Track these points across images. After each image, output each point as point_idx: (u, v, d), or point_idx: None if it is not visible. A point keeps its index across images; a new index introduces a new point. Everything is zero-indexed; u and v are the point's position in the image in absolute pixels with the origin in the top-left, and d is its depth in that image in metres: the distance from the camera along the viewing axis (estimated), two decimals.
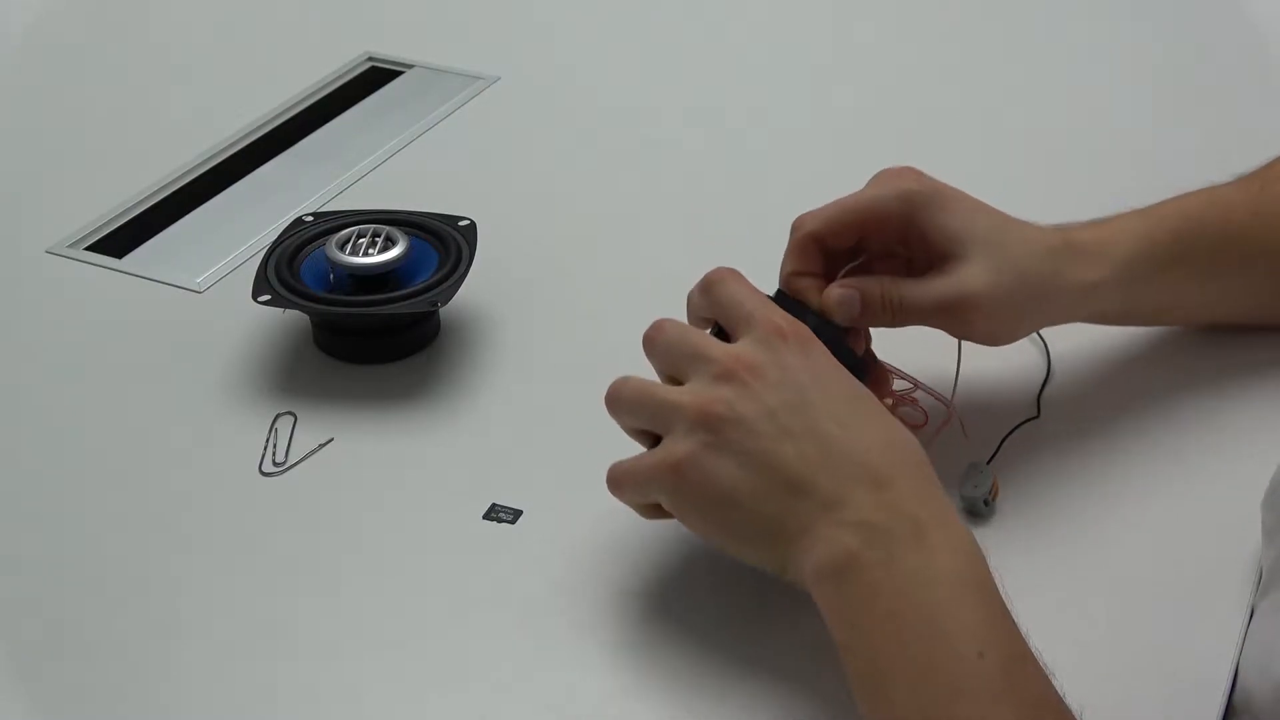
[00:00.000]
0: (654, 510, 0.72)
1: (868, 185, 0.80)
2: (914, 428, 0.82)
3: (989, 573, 0.65)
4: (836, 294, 0.76)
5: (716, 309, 0.73)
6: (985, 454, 0.81)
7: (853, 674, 0.66)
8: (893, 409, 0.83)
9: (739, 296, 0.73)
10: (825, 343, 0.72)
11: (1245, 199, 0.85)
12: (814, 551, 0.66)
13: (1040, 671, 0.63)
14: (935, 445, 0.79)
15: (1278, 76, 1.20)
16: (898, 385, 0.84)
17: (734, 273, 0.74)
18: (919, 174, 0.80)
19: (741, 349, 0.70)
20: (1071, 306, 0.82)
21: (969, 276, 0.77)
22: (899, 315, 0.77)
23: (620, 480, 0.73)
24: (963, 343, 0.81)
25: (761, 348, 0.70)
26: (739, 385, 0.69)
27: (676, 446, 0.69)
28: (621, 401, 0.73)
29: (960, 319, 0.78)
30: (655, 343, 0.73)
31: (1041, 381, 0.87)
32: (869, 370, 0.78)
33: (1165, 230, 0.83)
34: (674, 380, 0.72)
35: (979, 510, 0.78)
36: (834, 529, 0.66)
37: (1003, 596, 0.65)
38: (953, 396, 0.82)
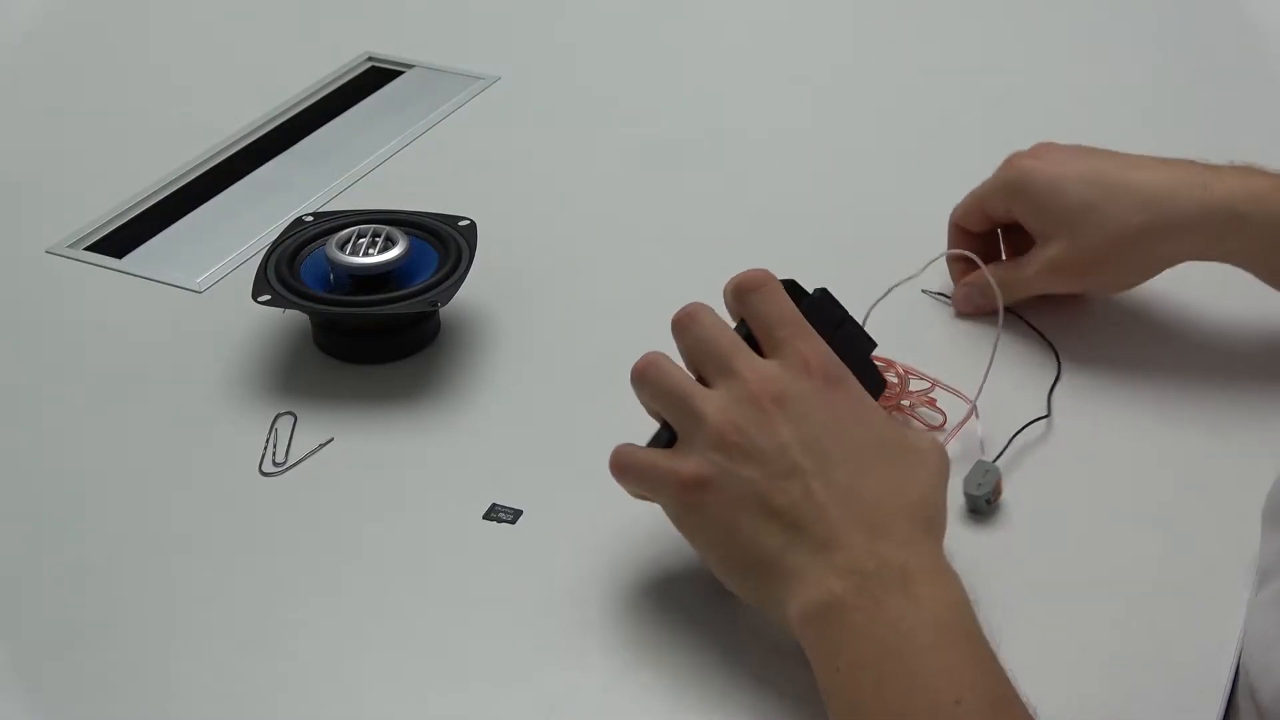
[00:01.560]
0: (648, 499, 0.74)
1: (994, 175, 0.91)
2: (932, 428, 0.83)
3: (976, 622, 0.66)
4: (959, 295, 0.92)
5: (752, 319, 0.74)
6: (994, 452, 0.81)
7: (832, 716, 0.66)
8: (910, 410, 0.83)
9: (777, 314, 0.73)
10: (844, 338, 0.74)
11: None
12: (801, 594, 0.67)
13: (1025, 717, 0.63)
14: (952, 444, 0.80)
15: (1278, 76, 1.20)
16: (916, 385, 0.84)
17: (773, 283, 0.74)
18: (1031, 157, 0.90)
19: (770, 374, 0.71)
20: (1178, 254, 0.88)
21: (1059, 250, 0.88)
22: (1009, 292, 0.88)
23: (626, 470, 0.73)
24: (997, 344, 0.83)
25: (789, 377, 0.71)
26: (759, 412, 0.70)
27: (690, 462, 0.70)
28: (648, 384, 0.73)
29: (1062, 285, 0.90)
30: (687, 331, 0.73)
31: (1051, 381, 0.87)
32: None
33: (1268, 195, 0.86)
34: (697, 367, 0.73)
35: (980, 509, 0.78)
36: (823, 573, 0.67)
37: (990, 644, 0.65)
38: (978, 395, 0.82)
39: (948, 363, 0.85)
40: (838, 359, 0.72)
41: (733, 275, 0.75)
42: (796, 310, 0.73)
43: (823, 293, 0.76)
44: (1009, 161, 0.90)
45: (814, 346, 0.72)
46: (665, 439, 0.73)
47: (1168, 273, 0.89)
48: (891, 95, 1.21)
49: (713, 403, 0.71)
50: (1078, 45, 1.29)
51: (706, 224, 1.05)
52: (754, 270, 0.75)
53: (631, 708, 0.70)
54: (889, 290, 0.84)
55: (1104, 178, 0.87)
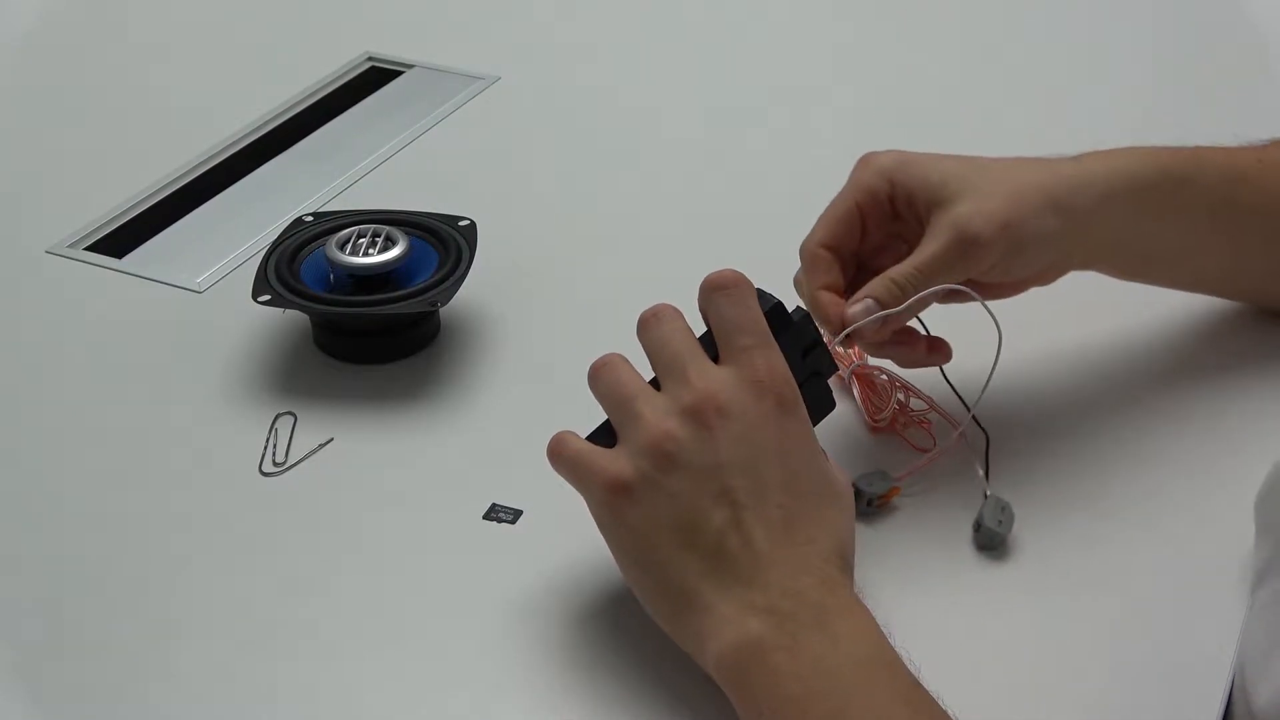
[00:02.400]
0: None
1: (850, 176, 0.81)
2: (921, 450, 0.82)
3: (894, 653, 0.64)
4: (855, 310, 0.76)
5: (715, 321, 0.71)
6: (992, 476, 0.81)
7: None
8: (902, 430, 0.83)
9: (740, 319, 0.70)
10: (810, 362, 0.73)
11: (1250, 152, 0.86)
12: (719, 635, 0.65)
13: None
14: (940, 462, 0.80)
15: (1278, 76, 1.20)
16: (914, 405, 0.84)
17: (744, 286, 0.71)
18: (894, 150, 0.81)
19: (718, 385, 0.68)
20: (1066, 230, 0.80)
21: (959, 212, 0.77)
22: (917, 286, 0.76)
23: (559, 457, 0.71)
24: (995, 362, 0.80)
25: (739, 391, 0.68)
26: (699, 426, 0.67)
27: (619, 464, 0.68)
28: (598, 382, 0.72)
29: (968, 256, 0.77)
30: (648, 330, 0.71)
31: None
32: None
33: (1159, 159, 0.83)
34: (656, 371, 0.71)
35: (996, 545, 0.76)
36: (741, 611, 0.65)
37: (911, 672, 0.64)
38: (975, 405, 0.81)
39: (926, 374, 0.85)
40: (793, 382, 0.69)
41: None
42: (762, 319, 0.70)
43: (803, 315, 0.75)
44: (867, 156, 0.81)
45: (772, 362, 0.69)
46: (604, 437, 0.71)
47: None
48: (892, 96, 1.21)
49: (654, 406, 0.69)
50: (1077, 45, 1.29)
51: (706, 223, 1.05)
52: (727, 270, 0.71)
53: (632, 708, 0.70)
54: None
55: (980, 157, 0.81)
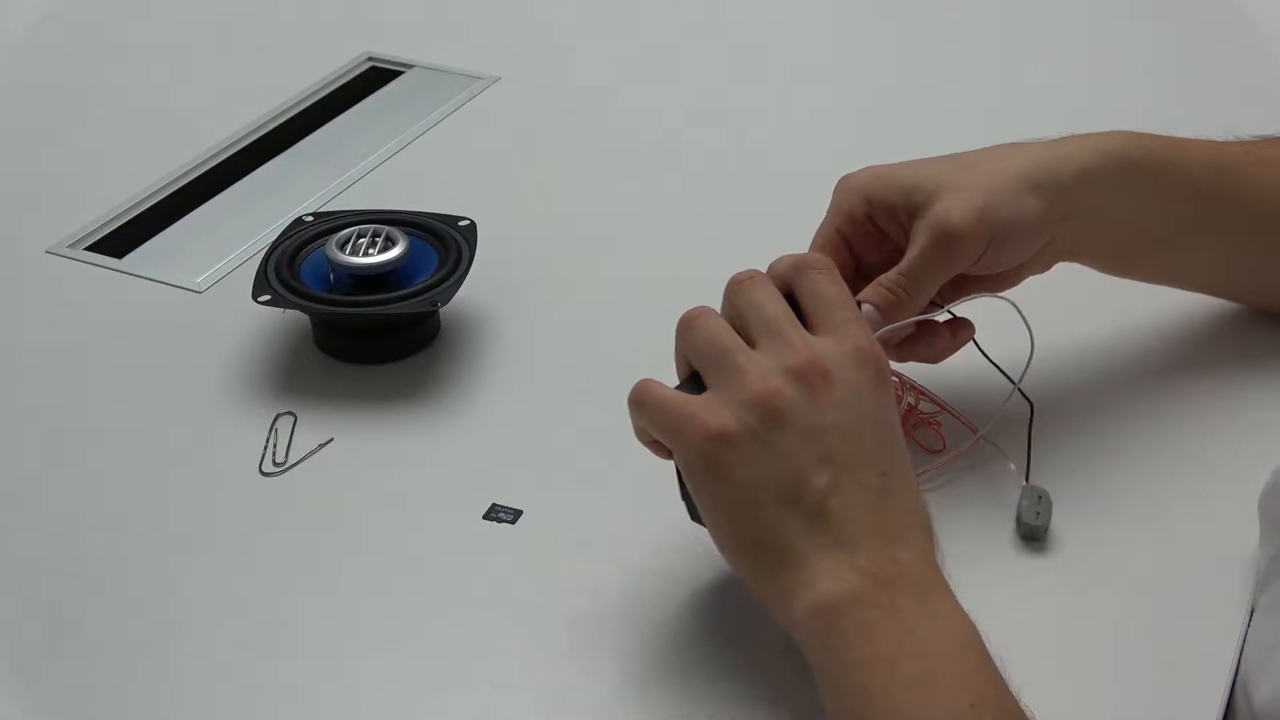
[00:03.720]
0: (655, 443, 0.70)
1: (830, 203, 0.81)
2: (931, 453, 0.82)
3: (987, 648, 0.64)
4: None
5: (810, 296, 0.70)
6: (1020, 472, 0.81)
7: (837, 713, 0.64)
8: (911, 431, 0.83)
9: (838, 295, 0.70)
10: None
11: (1235, 145, 0.86)
12: (814, 586, 0.64)
13: None
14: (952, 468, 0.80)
15: (1278, 76, 1.20)
16: (925, 408, 0.84)
17: (833, 266, 0.72)
18: (868, 167, 0.81)
19: (822, 350, 0.68)
20: (1047, 210, 0.79)
21: (936, 210, 0.77)
22: (907, 289, 0.77)
23: (647, 404, 0.69)
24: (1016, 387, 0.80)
25: (842, 359, 0.68)
26: (805, 388, 0.66)
27: (721, 415, 0.66)
28: (693, 331, 0.70)
29: (952, 251, 0.77)
30: (743, 292, 0.70)
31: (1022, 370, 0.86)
32: None
33: (1141, 140, 0.83)
34: (743, 332, 0.70)
35: (1039, 537, 0.77)
36: (841, 567, 0.64)
37: (1000, 669, 0.64)
38: (1020, 379, 0.81)
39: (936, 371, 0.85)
40: (886, 356, 0.70)
41: (782, 254, 0.73)
42: (853, 298, 0.71)
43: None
44: (842, 179, 0.82)
45: (869, 337, 0.69)
46: (691, 391, 0.69)
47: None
48: (892, 96, 1.21)
49: (758, 362, 0.67)
50: (1077, 45, 1.29)
51: (706, 224, 1.05)
52: (817, 254, 0.73)
53: (632, 708, 0.70)
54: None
55: (959, 154, 0.81)
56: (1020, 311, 0.79)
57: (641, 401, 0.69)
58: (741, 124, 1.18)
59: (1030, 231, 0.79)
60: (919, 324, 0.79)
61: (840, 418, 0.66)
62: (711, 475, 0.67)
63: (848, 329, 0.69)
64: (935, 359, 0.82)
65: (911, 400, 0.84)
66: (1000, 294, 0.80)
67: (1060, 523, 0.78)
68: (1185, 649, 0.72)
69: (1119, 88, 1.21)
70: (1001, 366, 0.82)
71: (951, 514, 0.77)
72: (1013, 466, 0.81)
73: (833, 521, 0.65)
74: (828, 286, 0.70)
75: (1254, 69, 1.22)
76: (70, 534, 0.80)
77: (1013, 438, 0.82)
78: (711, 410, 0.67)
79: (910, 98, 1.21)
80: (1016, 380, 0.81)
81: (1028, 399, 0.82)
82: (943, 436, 0.83)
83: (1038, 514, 0.77)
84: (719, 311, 0.71)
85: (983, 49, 1.29)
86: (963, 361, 0.82)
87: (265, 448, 0.85)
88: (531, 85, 1.24)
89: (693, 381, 0.70)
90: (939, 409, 0.83)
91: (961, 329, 0.81)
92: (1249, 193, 0.84)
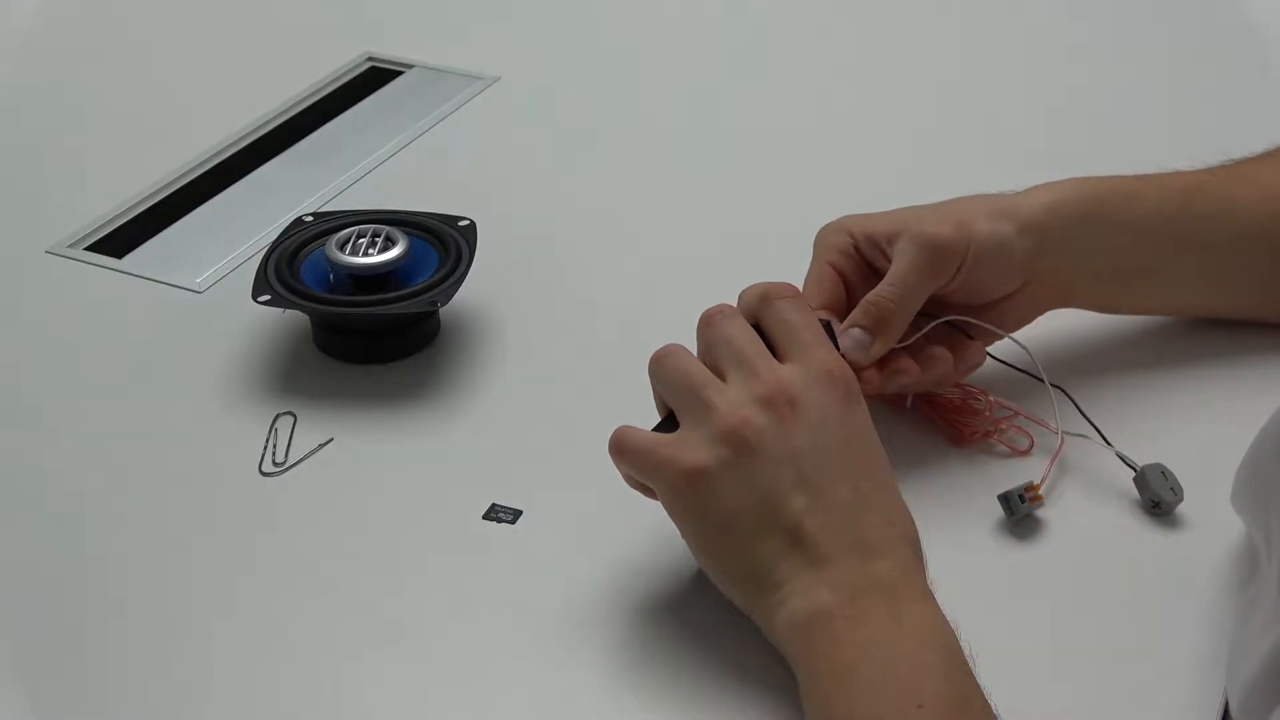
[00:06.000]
0: (642, 487, 0.73)
1: (814, 256, 0.83)
2: (1019, 453, 0.82)
3: (955, 640, 0.66)
4: (848, 342, 0.78)
5: (776, 324, 0.73)
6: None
7: None
8: (999, 436, 0.83)
9: (803, 321, 0.73)
10: None
11: (1201, 171, 0.87)
12: (789, 604, 0.67)
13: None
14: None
15: (1278, 76, 1.20)
16: (999, 413, 0.84)
17: (798, 293, 0.75)
18: (848, 217, 0.83)
19: (789, 377, 0.70)
20: (1022, 239, 0.81)
21: (917, 229, 0.79)
22: (897, 300, 0.78)
23: (625, 451, 0.72)
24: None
25: (808, 384, 0.70)
26: (773, 415, 0.69)
27: (695, 453, 0.69)
28: (663, 371, 0.73)
29: (935, 260, 0.79)
30: (711, 327, 0.73)
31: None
32: None
33: (1105, 182, 0.85)
34: (713, 366, 0.72)
35: (1170, 511, 0.78)
36: (815, 585, 0.67)
37: (968, 662, 0.65)
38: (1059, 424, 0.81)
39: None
40: (853, 375, 0.72)
41: (755, 281, 0.75)
42: (818, 323, 0.73)
43: (825, 324, 0.76)
44: (830, 228, 0.84)
45: (837, 358, 0.72)
46: (668, 430, 0.72)
47: None
48: (891, 96, 1.21)
49: (727, 396, 0.70)
50: (1077, 45, 1.29)
51: (706, 224, 1.05)
52: (782, 283, 0.75)
53: (631, 708, 0.70)
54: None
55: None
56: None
57: (620, 448, 0.72)
58: (741, 123, 1.18)
59: (1005, 252, 0.81)
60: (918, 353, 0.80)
61: (811, 440, 0.69)
62: (691, 511, 0.70)
63: (812, 353, 0.71)
64: (939, 386, 0.83)
65: (981, 405, 0.84)
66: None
67: (1063, 522, 0.78)
68: (1184, 650, 0.72)
69: (1119, 88, 1.21)
70: (1024, 366, 0.83)
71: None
72: (1116, 453, 0.80)
73: (809, 542, 0.68)
74: (791, 313, 0.73)
75: (1254, 69, 1.22)
76: (70, 534, 0.80)
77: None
78: (685, 448, 0.70)
79: (909, 97, 1.21)
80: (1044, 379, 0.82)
81: (1065, 391, 0.82)
82: (1028, 434, 0.83)
83: (1172, 489, 0.78)
84: (693, 348, 0.74)
85: (981, 50, 1.28)
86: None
87: (265, 448, 0.85)
88: (531, 85, 1.24)
89: (670, 420, 0.73)
90: (1014, 412, 0.83)
91: (966, 354, 0.82)
92: (1219, 205, 0.85)
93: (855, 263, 0.82)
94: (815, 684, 0.66)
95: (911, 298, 0.79)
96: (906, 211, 0.82)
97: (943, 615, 0.67)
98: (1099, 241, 0.84)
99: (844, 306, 0.81)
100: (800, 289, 0.75)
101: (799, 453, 0.68)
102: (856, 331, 0.78)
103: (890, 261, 0.80)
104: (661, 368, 0.73)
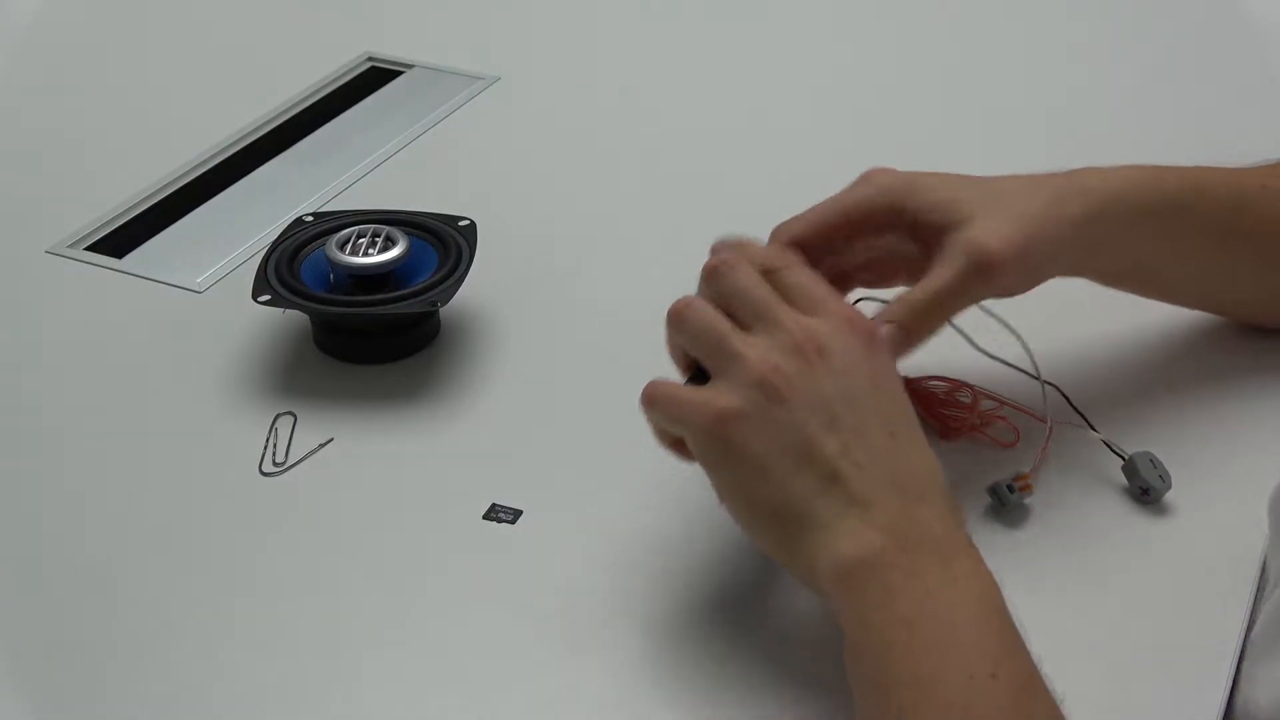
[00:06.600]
0: (675, 443, 0.71)
1: (849, 188, 0.80)
2: (1005, 446, 0.82)
3: (1008, 610, 0.65)
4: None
5: (787, 289, 0.71)
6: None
7: (856, 675, 0.65)
8: (983, 429, 0.83)
9: (811, 281, 0.72)
10: None
11: (1256, 176, 0.86)
12: (836, 546, 0.65)
13: (1051, 700, 0.63)
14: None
15: (1278, 76, 1.20)
16: (985, 405, 0.84)
17: (794, 261, 0.73)
18: (899, 171, 0.80)
19: (814, 325, 0.69)
20: (1072, 242, 0.79)
21: (974, 236, 0.76)
22: (939, 309, 0.76)
23: (657, 400, 0.71)
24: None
25: (833, 332, 0.69)
26: (802, 362, 0.68)
27: (726, 397, 0.68)
28: (687, 323, 0.71)
29: (988, 280, 0.76)
30: (724, 278, 0.72)
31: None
32: None
33: (1162, 183, 0.83)
34: (732, 316, 0.71)
35: (1159, 499, 0.78)
36: (861, 526, 0.65)
37: (1020, 632, 0.64)
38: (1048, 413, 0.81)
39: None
40: (873, 323, 0.71)
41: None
42: (824, 280, 0.72)
43: None
44: (871, 173, 0.81)
45: (854, 309, 0.71)
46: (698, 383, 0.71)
47: None
48: (891, 96, 1.21)
49: (753, 345, 0.69)
50: (1077, 45, 1.29)
51: (706, 223, 1.04)
52: (774, 250, 0.74)
53: (631, 708, 0.70)
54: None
55: (986, 177, 0.81)
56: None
57: (651, 398, 0.71)
58: (741, 123, 1.18)
59: (1060, 265, 0.80)
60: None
61: (841, 385, 0.68)
62: (724, 454, 0.68)
63: (831, 305, 0.71)
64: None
65: (966, 398, 0.84)
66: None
67: (1063, 522, 0.78)
68: (1184, 650, 0.72)
69: (1119, 88, 1.21)
70: (1013, 358, 0.83)
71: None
72: (1103, 440, 0.81)
73: (848, 482, 0.66)
74: (799, 277, 0.72)
75: (1254, 69, 1.22)
76: (70, 534, 0.80)
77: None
78: (718, 395, 0.68)
79: (909, 97, 1.21)
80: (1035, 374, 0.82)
81: (1056, 387, 0.82)
82: (1014, 426, 0.83)
83: (1160, 477, 0.78)
84: (703, 298, 0.72)
85: (981, 50, 1.29)
86: (965, 363, 0.82)
87: (265, 448, 0.85)
88: (531, 85, 1.24)
89: (698, 376, 0.71)
90: (999, 404, 0.83)
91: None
92: (1262, 227, 0.85)
93: (871, 225, 0.79)
94: (868, 634, 0.64)
95: (951, 309, 0.77)
96: (964, 195, 0.78)
97: (995, 583, 0.66)
98: (1139, 246, 0.83)
99: (825, 254, 0.78)
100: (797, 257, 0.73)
101: (830, 398, 0.67)
102: (889, 327, 0.74)
103: (926, 245, 0.78)
104: (684, 320, 0.71)
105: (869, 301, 0.79)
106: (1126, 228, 0.81)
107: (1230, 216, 0.84)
